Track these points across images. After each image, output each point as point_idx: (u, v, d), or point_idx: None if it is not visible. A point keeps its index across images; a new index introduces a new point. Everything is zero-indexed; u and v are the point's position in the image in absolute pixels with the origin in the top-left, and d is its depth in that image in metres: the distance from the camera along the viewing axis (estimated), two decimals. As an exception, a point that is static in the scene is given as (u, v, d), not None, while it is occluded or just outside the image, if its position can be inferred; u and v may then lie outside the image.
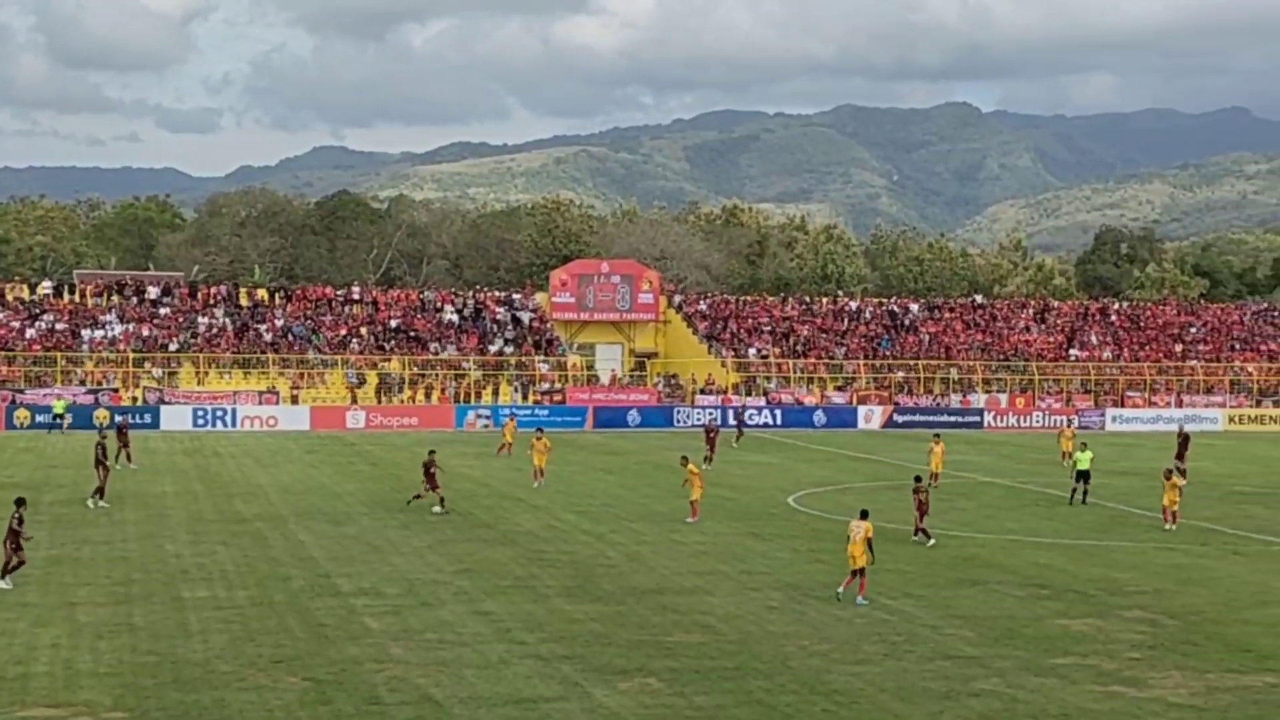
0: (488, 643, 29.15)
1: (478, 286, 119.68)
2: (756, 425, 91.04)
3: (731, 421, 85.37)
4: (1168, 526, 46.38)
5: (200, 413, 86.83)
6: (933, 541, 41.80)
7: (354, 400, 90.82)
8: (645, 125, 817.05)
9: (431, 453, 50.64)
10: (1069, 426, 67.05)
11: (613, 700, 25.02)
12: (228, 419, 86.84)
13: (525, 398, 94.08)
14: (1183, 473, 62.29)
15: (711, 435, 68.93)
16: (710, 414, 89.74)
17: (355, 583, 35.65)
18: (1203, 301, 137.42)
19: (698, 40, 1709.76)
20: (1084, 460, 53.04)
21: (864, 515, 34.26)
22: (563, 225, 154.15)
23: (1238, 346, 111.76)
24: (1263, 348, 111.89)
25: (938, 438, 60.24)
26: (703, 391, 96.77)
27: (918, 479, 43.79)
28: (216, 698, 24.73)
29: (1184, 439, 65.05)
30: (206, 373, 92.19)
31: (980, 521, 48.78)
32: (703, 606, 33.26)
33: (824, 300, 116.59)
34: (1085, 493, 52.86)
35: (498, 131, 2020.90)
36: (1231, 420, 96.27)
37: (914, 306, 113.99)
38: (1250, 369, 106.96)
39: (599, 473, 63.89)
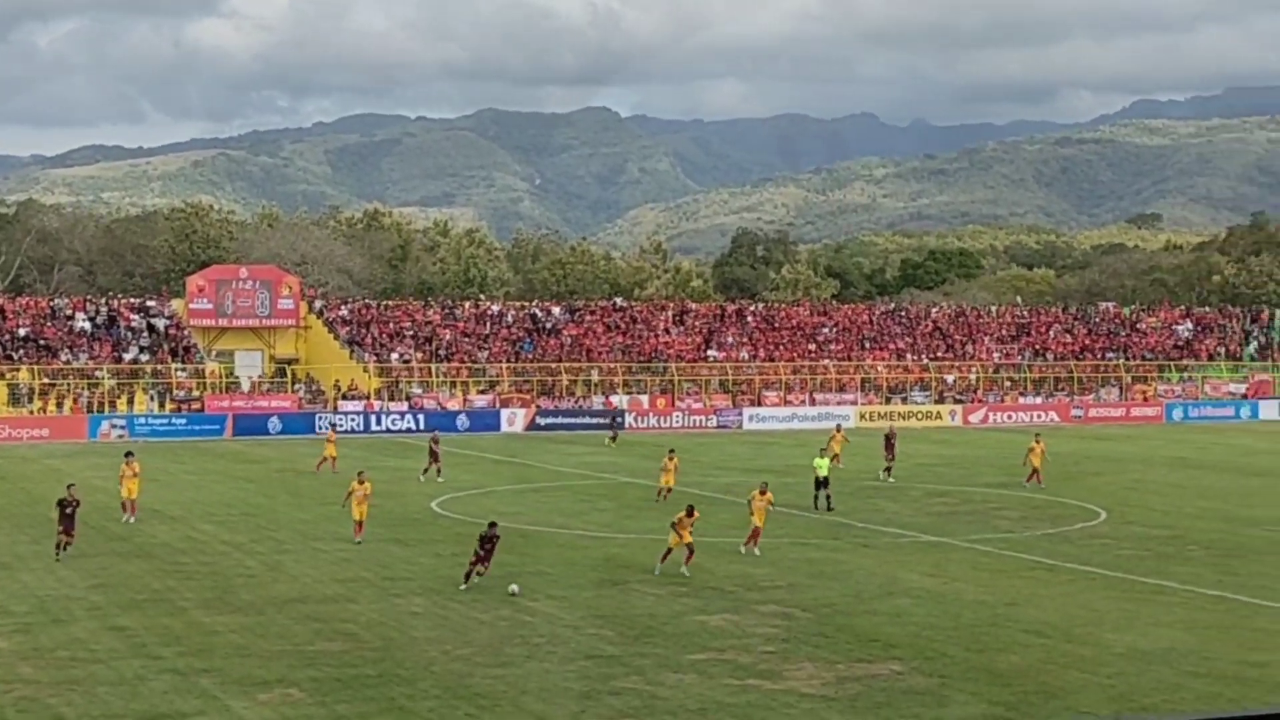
0: (123, 659, 28.54)
1: (111, 293, 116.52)
2: (400, 430, 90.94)
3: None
4: (754, 551, 42.05)
5: None
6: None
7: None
8: (285, 128, 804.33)
9: (70, 486, 43.03)
10: (839, 431, 67.98)
11: (253, 713, 24.76)
12: None
13: (162, 406, 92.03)
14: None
15: (435, 446, 64.54)
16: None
17: (-18, 601, 34.51)
18: (834, 302, 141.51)
19: (333, 43, 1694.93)
20: (822, 467, 53.41)
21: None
22: (201, 230, 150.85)
23: (868, 345, 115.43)
24: (891, 346, 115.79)
25: (672, 453, 57.59)
26: (345, 397, 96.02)
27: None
28: None
29: (890, 436, 65.76)
30: None
31: (621, 522, 49.49)
32: (345, 614, 33.09)
33: (466, 304, 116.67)
34: (829, 498, 52.60)
35: (132, 134, 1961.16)
36: (862, 417, 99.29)
37: (556, 310, 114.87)
38: (880, 367, 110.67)
39: (239, 481, 62.96)
